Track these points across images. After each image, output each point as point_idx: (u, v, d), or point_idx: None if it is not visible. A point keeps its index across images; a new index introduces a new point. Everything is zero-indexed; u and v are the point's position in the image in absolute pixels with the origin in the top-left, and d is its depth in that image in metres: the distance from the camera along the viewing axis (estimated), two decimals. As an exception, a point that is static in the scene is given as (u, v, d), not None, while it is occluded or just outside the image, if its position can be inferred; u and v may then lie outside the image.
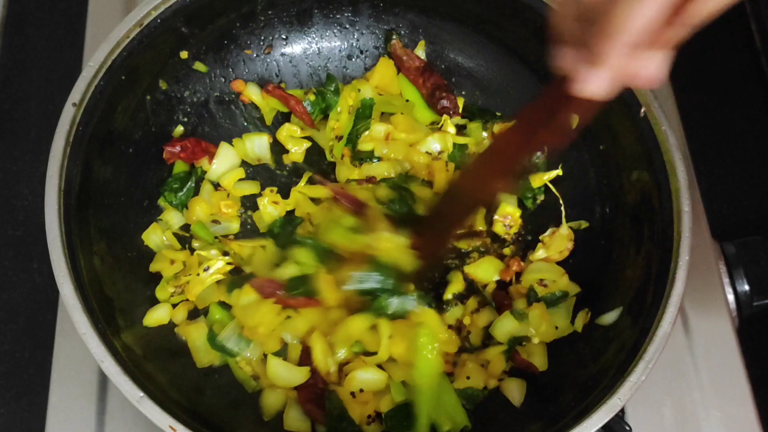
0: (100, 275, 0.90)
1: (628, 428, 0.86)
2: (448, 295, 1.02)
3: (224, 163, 1.07)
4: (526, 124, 0.74)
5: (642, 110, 0.95)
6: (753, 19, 1.29)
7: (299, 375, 0.92)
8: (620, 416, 0.85)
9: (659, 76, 0.59)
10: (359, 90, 1.10)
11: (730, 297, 1.04)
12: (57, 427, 0.95)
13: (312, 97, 1.10)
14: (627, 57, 0.58)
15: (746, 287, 1.03)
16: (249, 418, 0.92)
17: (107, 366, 0.79)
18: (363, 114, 1.10)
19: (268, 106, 1.12)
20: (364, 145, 1.10)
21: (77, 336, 0.80)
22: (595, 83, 0.60)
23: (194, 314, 0.99)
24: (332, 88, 1.11)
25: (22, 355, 1.06)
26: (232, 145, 1.08)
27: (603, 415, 0.79)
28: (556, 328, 0.98)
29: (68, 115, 0.89)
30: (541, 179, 1.07)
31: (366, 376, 0.93)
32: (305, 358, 0.94)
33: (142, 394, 0.77)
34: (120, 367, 0.78)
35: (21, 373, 1.05)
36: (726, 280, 1.04)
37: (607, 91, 0.61)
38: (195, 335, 0.95)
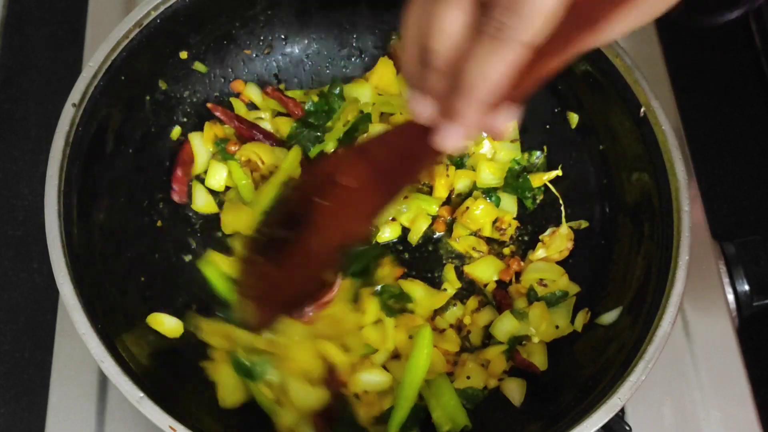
0: (100, 275, 0.90)
1: (628, 428, 0.86)
2: (447, 289, 1.02)
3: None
4: (386, 171, 0.70)
5: (642, 110, 0.95)
6: (753, 19, 1.29)
7: (320, 397, 0.91)
8: (620, 416, 0.85)
9: (507, 130, 0.60)
10: (361, 111, 1.10)
11: (730, 297, 1.04)
12: (57, 427, 0.95)
13: (315, 99, 1.10)
14: (481, 113, 0.58)
15: (746, 287, 1.03)
16: (250, 418, 0.93)
17: (107, 366, 0.79)
18: (359, 126, 1.10)
19: (268, 106, 1.12)
20: (362, 147, 1.10)
21: (77, 336, 0.79)
22: (449, 138, 0.60)
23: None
24: (337, 92, 1.11)
25: (22, 355, 1.06)
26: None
27: (603, 414, 0.79)
28: (557, 327, 0.98)
29: (68, 115, 0.89)
30: (540, 179, 1.07)
31: (371, 378, 0.93)
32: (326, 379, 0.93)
33: (141, 394, 0.77)
34: (120, 368, 0.78)
35: (21, 373, 1.04)
36: (726, 280, 1.04)
37: (460, 146, 0.61)
38: (223, 373, 0.93)
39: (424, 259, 1.06)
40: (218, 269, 0.97)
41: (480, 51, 0.54)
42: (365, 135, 1.07)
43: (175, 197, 1.05)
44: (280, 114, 1.12)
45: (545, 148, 1.10)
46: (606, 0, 0.56)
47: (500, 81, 0.55)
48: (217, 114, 1.07)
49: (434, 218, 1.07)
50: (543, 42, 0.53)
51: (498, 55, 0.54)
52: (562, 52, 0.56)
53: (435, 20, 0.56)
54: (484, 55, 0.54)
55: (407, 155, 0.68)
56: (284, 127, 1.10)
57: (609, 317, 0.95)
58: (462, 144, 0.61)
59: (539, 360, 0.96)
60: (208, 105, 1.08)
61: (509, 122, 0.60)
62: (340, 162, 0.74)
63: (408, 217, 1.06)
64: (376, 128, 1.09)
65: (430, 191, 1.09)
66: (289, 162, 1.05)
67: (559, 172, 1.08)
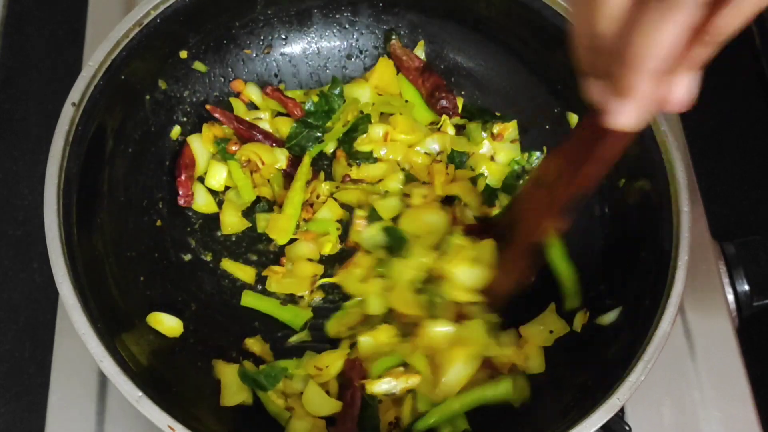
0: (100, 275, 0.90)
1: (627, 428, 0.86)
2: None
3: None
4: (568, 158, 0.74)
5: (642, 110, 0.95)
6: (753, 19, 1.29)
7: (333, 406, 0.92)
8: (620, 416, 0.85)
9: (689, 99, 0.58)
10: (361, 111, 1.11)
11: (730, 297, 1.04)
12: (57, 427, 0.95)
13: (315, 98, 1.10)
14: (654, 84, 0.56)
15: (746, 287, 1.03)
16: (250, 418, 0.93)
17: (106, 366, 0.78)
18: (359, 126, 1.10)
19: (268, 107, 1.12)
20: (362, 146, 1.10)
21: (77, 336, 0.79)
22: (624, 115, 0.59)
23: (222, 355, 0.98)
24: (337, 92, 1.11)
25: (22, 355, 1.06)
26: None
27: (602, 415, 0.79)
28: (551, 332, 0.98)
29: (67, 115, 0.89)
30: None
31: (386, 385, 0.93)
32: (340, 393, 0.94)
33: (140, 393, 0.77)
34: (119, 367, 0.78)
35: (21, 373, 1.04)
36: (726, 280, 1.04)
37: (639, 122, 0.60)
38: (229, 373, 0.94)
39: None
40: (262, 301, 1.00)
41: (648, 19, 0.52)
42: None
43: (181, 201, 1.05)
44: (279, 114, 1.12)
45: (545, 148, 1.10)
46: None
47: (670, 46, 0.53)
48: (216, 115, 1.07)
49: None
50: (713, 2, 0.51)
51: (668, 21, 0.51)
52: (738, 14, 0.52)
53: (597, 2, 0.55)
54: (653, 23, 0.52)
55: (591, 146, 0.69)
56: (284, 127, 1.10)
57: (608, 317, 0.95)
58: (640, 119, 0.59)
59: (536, 362, 0.96)
60: (207, 107, 1.08)
61: (688, 95, 0.58)
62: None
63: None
64: (375, 128, 1.09)
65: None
66: (305, 167, 1.06)
67: None
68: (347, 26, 1.14)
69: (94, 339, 0.79)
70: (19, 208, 1.15)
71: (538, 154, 1.10)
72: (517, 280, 0.92)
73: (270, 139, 1.09)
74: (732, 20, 0.53)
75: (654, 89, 0.56)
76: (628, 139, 0.66)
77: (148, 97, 1.03)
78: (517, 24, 1.05)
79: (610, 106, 0.60)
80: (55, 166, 0.87)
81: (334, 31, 1.14)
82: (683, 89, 0.58)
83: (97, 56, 0.93)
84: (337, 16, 1.13)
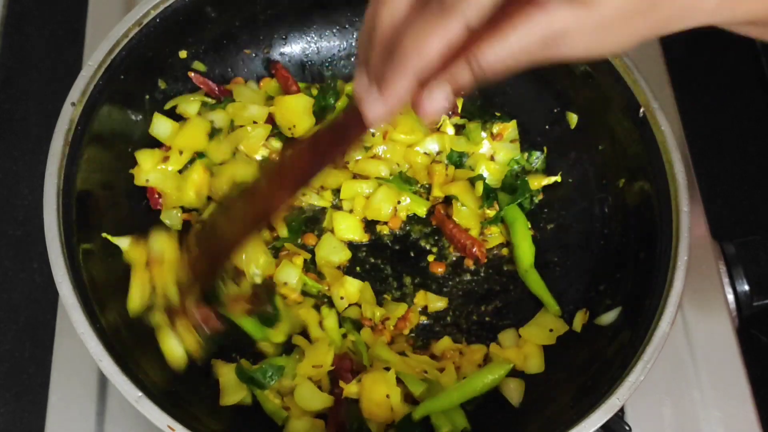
0: (99, 275, 0.89)
1: (627, 428, 0.86)
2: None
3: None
4: (320, 142, 0.73)
5: (641, 110, 0.95)
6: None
7: (325, 400, 0.92)
8: (620, 416, 0.85)
9: (437, 112, 0.60)
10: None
11: (730, 297, 1.04)
12: (57, 427, 0.95)
13: (314, 92, 1.10)
14: (410, 86, 0.58)
15: (746, 287, 1.03)
16: (250, 418, 0.92)
17: (106, 365, 0.78)
18: None
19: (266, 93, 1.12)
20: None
21: (77, 335, 0.79)
22: (373, 108, 0.61)
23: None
24: (333, 88, 1.11)
25: (22, 355, 1.06)
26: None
27: (602, 415, 0.79)
28: (551, 330, 0.98)
29: (67, 114, 0.89)
30: (539, 182, 1.07)
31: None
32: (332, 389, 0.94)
33: (140, 393, 0.77)
34: (118, 367, 0.78)
35: (21, 373, 1.04)
36: (726, 280, 1.04)
37: (383, 118, 0.61)
38: (227, 372, 0.93)
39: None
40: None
41: (418, 22, 0.56)
42: None
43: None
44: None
45: (545, 149, 1.10)
46: None
47: (433, 54, 0.56)
48: (198, 83, 1.07)
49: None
50: (482, 27, 0.54)
51: (436, 27, 0.55)
52: (502, 44, 0.55)
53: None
54: (422, 26, 0.55)
55: (339, 130, 0.70)
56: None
57: (608, 317, 0.95)
58: (384, 116, 0.61)
59: (536, 362, 0.96)
60: (190, 74, 1.07)
61: (439, 106, 0.60)
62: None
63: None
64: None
65: (428, 192, 1.09)
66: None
67: (558, 178, 1.07)
68: (347, 26, 1.14)
69: (94, 339, 0.79)
70: (19, 208, 1.15)
71: (537, 154, 1.10)
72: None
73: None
74: (495, 52, 0.55)
75: (408, 90, 0.58)
76: (364, 132, 0.67)
77: (147, 96, 1.03)
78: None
79: (366, 97, 0.61)
80: (54, 166, 0.87)
81: (334, 30, 1.14)
82: (436, 101, 0.59)
83: (96, 55, 0.93)
84: (337, 15, 1.13)
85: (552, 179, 1.07)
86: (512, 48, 0.55)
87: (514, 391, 0.94)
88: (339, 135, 0.70)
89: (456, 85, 0.58)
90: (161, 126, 1.03)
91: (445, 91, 0.58)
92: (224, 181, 1.02)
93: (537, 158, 1.10)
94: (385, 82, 0.59)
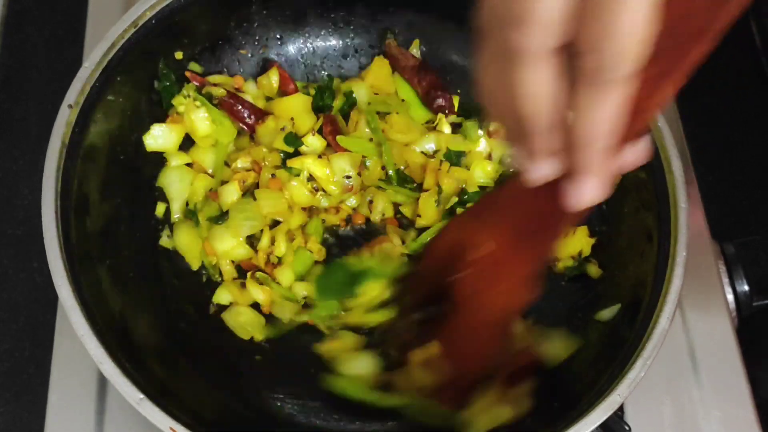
0: (99, 275, 0.90)
1: (627, 428, 0.86)
2: None
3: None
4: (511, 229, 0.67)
5: (639, 108, 0.95)
6: (753, 19, 1.29)
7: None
8: (619, 416, 0.85)
9: (645, 156, 0.56)
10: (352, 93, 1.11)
11: (730, 297, 1.04)
12: (56, 426, 0.95)
13: (312, 92, 1.11)
14: (609, 160, 0.53)
15: (746, 287, 1.03)
16: (252, 419, 0.93)
17: (106, 368, 0.78)
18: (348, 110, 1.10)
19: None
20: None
21: (77, 336, 0.79)
22: (589, 192, 0.55)
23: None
24: (329, 88, 1.11)
25: (21, 355, 1.06)
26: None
27: (602, 412, 0.79)
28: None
29: (64, 116, 0.89)
30: None
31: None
32: None
33: (141, 395, 0.77)
34: (119, 369, 0.78)
35: (20, 373, 1.05)
36: (726, 280, 1.04)
37: (604, 193, 0.55)
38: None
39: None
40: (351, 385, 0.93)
41: (583, 102, 0.49)
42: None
43: None
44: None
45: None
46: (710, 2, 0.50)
47: (616, 123, 0.50)
48: (195, 82, 1.06)
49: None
50: (648, 65, 0.47)
51: (605, 100, 0.48)
52: (677, 63, 0.51)
53: (520, 87, 0.50)
54: (590, 105, 0.48)
55: (537, 215, 0.65)
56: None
57: (607, 314, 0.95)
58: (605, 190, 0.55)
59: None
60: (187, 73, 1.06)
61: (640, 153, 0.56)
62: (467, 229, 0.72)
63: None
64: (362, 127, 1.09)
65: (418, 187, 1.08)
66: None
67: None
68: (342, 25, 1.14)
69: (94, 341, 0.79)
70: (19, 208, 1.15)
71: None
72: (482, 365, 0.83)
73: (251, 110, 1.07)
74: (673, 79, 0.51)
75: (609, 164, 0.53)
76: (579, 216, 0.62)
77: (144, 98, 1.03)
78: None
79: (566, 191, 0.55)
80: (52, 167, 0.87)
81: (330, 30, 1.14)
82: (635, 153, 0.56)
83: (93, 57, 0.93)
84: (333, 15, 1.13)
85: None
86: (692, 63, 0.51)
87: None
88: (542, 220, 0.64)
89: (649, 122, 0.56)
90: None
91: (642, 138, 0.55)
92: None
93: None
94: (583, 168, 0.53)
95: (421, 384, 0.84)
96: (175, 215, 1.03)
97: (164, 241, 1.02)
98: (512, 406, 0.86)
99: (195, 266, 1.02)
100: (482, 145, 1.09)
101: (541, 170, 0.55)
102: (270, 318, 1.00)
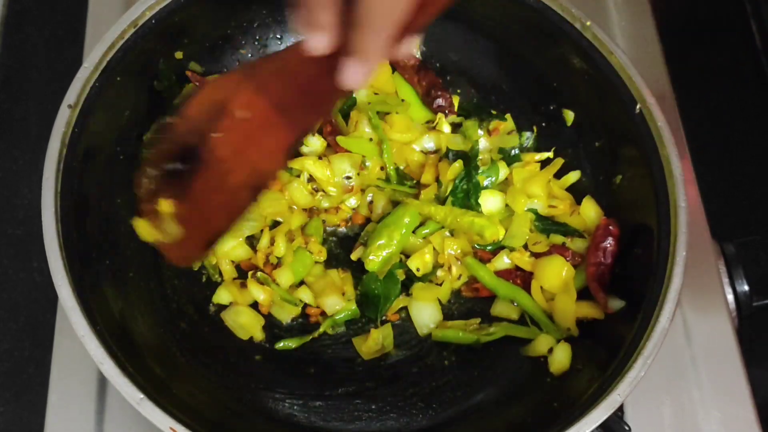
0: (99, 276, 0.90)
1: (627, 428, 0.86)
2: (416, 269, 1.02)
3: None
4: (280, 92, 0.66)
5: (638, 107, 0.95)
6: (753, 19, 1.29)
7: None
8: (619, 416, 0.86)
9: (414, 52, 0.60)
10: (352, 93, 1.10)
11: (730, 297, 1.04)
12: (56, 426, 0.95)
13: None
14: (387, 46, 0.57)
15: (746, 287, 1.03)
16: (252, 420, 0.93)
17: (107, 368, 0.78)
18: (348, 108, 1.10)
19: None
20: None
21: (77, 335, 0.79)
22: (358, 75, 0.59)
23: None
24: None
25: (21, 354, 1.06)
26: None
27: (602, 411, 0.80)
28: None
29: (63, 116, 0.89)
30: (532, 157, 1.07)
31: None
32: None
33: (142, 395, 0.77)
34: (119, 369, 0.78)
35: (21, 372, 1.05)
36: (726, 280, 1.04)
37: (366, 81, 0.60)
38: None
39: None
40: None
41: None
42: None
43: None
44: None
45: (535, 128, 1.09)
46: None
47: (404, 12, 0.54)
48: (195, 82, 1.06)
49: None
50: None
51: None
52: None
53: None
54: None
55: (308, 90, 0.66)
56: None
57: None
58: (367, 79, 0.60)
59: (562, 359, 0.95)
60: (188, 72, 1.06)
61: (411, 47, 0.60)
62: (230, 90, 0.69)
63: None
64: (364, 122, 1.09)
65: (417, 185, 1.08)
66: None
67: (550, 154, 1.07)
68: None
69: (94, 341, 0.79)
70: (19, 208, 1.15)
71: (528, 134, 1.09)
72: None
73: None
74: None
75: (385, 50, 0.57)
76: (344, 93, 0.65)
77: (144, 98, 1.03)
78: (513, 22, 1.05)
79: (344, 66, 0.59)
80: (52, 168, 0.87)
81: (329, 30, 1.14)
82: (406, 48, 0.59)
83: (92, 57, 0.93)
84: (332, 15, 1.13)
85: (545, 155, 1.07)
86: None
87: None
88: (309, 96, 0.65)
89: (425, 26, 0.59)
90: None
91: (416, 37, 0.59)
92: None
93: (528, 138, 1.10)
94: (360, 49, 0.57)
95: (167, 233, 0.79)
96: (176, 215, 1.03)
97: (164, 241, 1.02)
98: None
99: (195, 266, 1.02)
100: (482, 144, 1.09)
101: (320, 41, 0.59)
102: (270, 318, 1.00)
